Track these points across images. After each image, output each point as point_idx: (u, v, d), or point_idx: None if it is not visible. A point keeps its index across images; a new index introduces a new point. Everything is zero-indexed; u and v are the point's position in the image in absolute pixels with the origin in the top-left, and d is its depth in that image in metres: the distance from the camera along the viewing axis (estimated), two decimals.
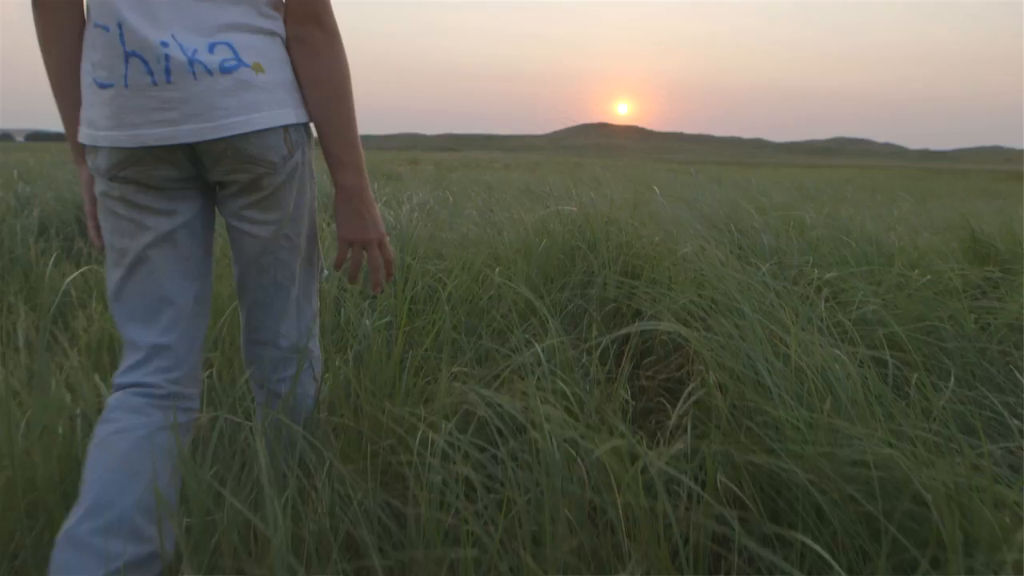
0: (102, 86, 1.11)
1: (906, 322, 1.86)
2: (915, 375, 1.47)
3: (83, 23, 1.15)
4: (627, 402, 1.49)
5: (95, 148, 1.14)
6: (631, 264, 2.39)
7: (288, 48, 1.21)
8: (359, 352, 1.99)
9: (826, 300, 2.00)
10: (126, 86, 1.08)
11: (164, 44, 1.06)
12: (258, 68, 1.13)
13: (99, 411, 1.21)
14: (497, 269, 2.45)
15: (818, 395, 1.29)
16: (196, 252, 1.24)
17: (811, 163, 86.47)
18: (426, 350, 1.94)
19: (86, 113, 1.16)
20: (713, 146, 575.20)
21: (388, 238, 1.32)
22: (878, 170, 48.72)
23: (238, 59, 1.11)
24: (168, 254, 1.19)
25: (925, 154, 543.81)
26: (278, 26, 1.20)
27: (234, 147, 1.13)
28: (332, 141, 1.23)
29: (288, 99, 1.18)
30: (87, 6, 1.13)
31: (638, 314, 2.14)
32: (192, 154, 1.15)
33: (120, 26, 1.06)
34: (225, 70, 1.10)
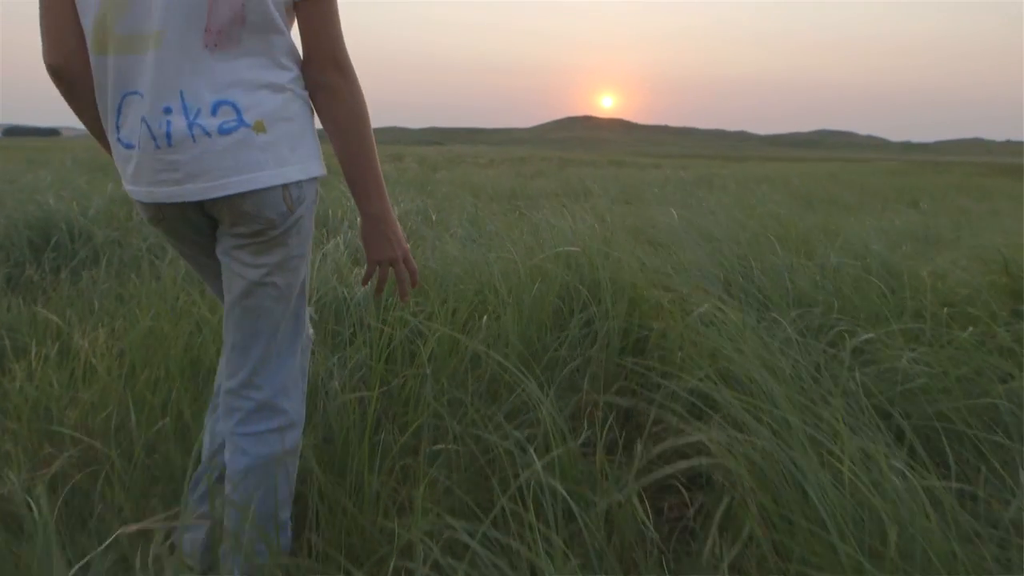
0: (126, 145, 1.20)
1: (956, 395, 1.63)
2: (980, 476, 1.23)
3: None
4: (645, 524, 1.24)
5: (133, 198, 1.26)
6: (637, 319, 2.13)
7: (310, 94, 1.27)
8: (326, 424, 1.73)
9: (863, 364, 1.76)
10: (140, 148, 1.16)
11: (168, 111, 1.13)
12: (259, 127, 1.16)
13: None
14: (485, 318, 2.18)
15: (877, 528, 1.04)
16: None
17: (796, 156, 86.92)
18: (405, 428, 1.68)
19: (119, 168, 1.25)
20: (698, 139, 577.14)
21: (410, 251, 1.39)
22: (862, 163, 48.80)
23: (240, 119, 1.15)
24: (216, 275, 1.33)
25: (907, 146, 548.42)
26: (291, 79, 1.24)
27: (231, 204, 1.18)
28: (356, 174, 1.29)
29: (291, 156, 1.21)
30: (110, 66, 1.16)
31: (645, 384, 1.88)
32: (201, 208, 1.22)
33: (140, 95, 1.14)
34: (224, 131, 1.14)
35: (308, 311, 1.43)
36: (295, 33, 1.26)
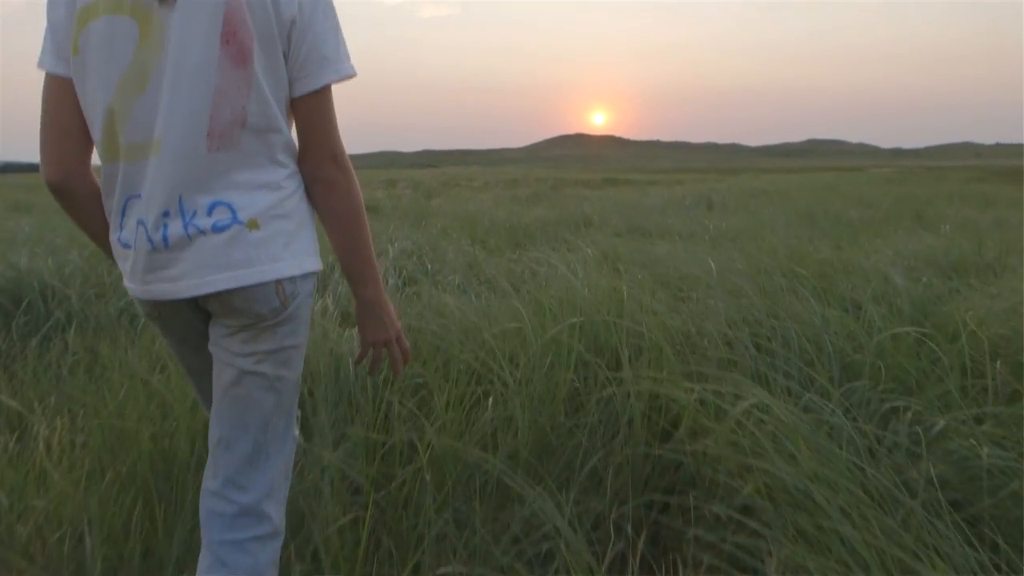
0: (124, 245, 1.22)
1: None
2: None
3: (101, 202, 1.26)
4: None
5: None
6: (663, 402, 1.88)
7: (307, 185, 1.29)
8: (313, 551, 1.48)
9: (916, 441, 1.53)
10: (135, 248, 1.19)
11: (166, 214, 1.15)
12: (253, 224, 1.18)
13: None
14: (491, 400, 1.94)
15: None
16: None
17: (789, 167, 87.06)
18: (402, 542, 1.43)
19: (118, 263, 1.28)
20: (690, 152, 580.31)
21: (402, 330, 1.42)
22: (856, 172, 48.76)
23: (234, 218, 1.17)
24: (209, 364, 1.31)
25: (898, 152, 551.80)
26: (288, 175, 1.25)
27: (222, 300, 1.19)
28: (351, 262, 1.32)
29: (284, 253, 1.21)
30: (116, 173, 1.19)
31: (679, 477, 1.64)
32: (196, 304, 1.24)
33: (139, 199, 1.17)
34: (217, 229, 1.16)
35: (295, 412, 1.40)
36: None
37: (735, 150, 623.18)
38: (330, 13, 1.21)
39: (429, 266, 4.13)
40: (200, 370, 1.37)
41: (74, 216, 1.29)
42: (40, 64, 1.18)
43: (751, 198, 17.12)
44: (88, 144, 1.22)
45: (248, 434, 1.26)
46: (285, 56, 1.17)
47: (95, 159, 1.24)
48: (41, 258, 4.08)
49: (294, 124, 1.26)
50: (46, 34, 1.17)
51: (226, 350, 1.25)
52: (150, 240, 1.16)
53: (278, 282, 1.20)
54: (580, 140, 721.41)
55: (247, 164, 1.18)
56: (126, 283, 1.26)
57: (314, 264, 1.27)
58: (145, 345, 2.84)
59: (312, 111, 1.22)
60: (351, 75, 1.20)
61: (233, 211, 1.16)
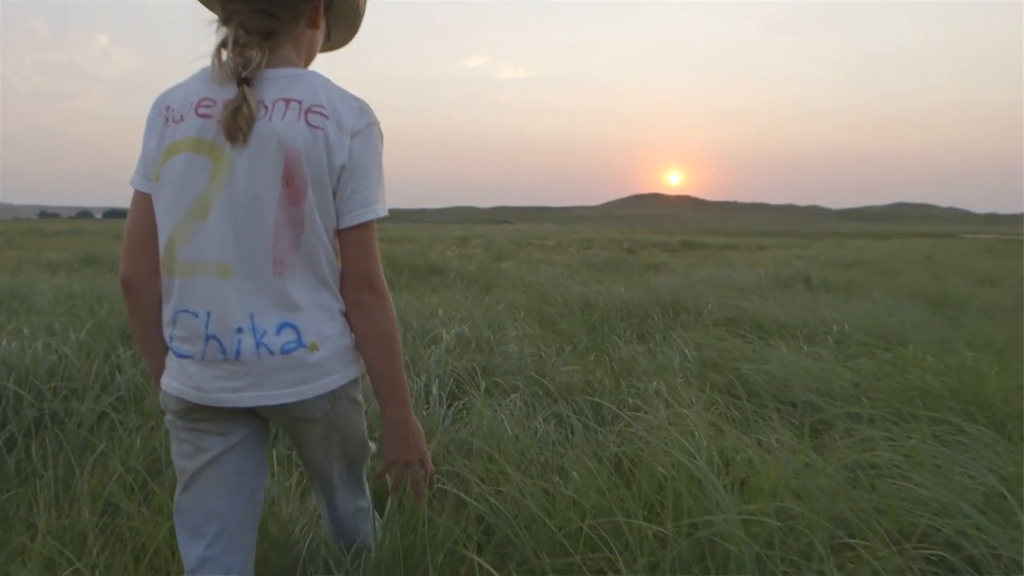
0: (180, 356, 1.31)
1: None
2: None
3: (160, 303, 1.36)
4: None
5: (166, 392, 1.36)
6: None
7: (347, 308, 1.38)
8: None
9: None
10: (203, 359, 1.29)
11: (239, 330, 1.27)
12: (314, 347, 1.31)
13: None
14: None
15: None
16: (248, 467, 1.41)
17: (872, 231, 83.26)
18: None
19: (167, 364, 1.37)
20: (768, 214, 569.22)
21: (428, 454, 1.48)
22: (948, 239, 45.86)
23: (299, 341, 1.30)
24: (219, 473, 1.37)
25: (992, 218, 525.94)
26: (336, 295, 1.37)
27: (283, 410, 1.33)
28: (381, 382, 1.40)
29: (336, 367, 1.35)
30: (175, 286, 1.30)
31: None
32: (252, 410, 1.36)
33: (208, 314, 1.27)
34: (285, 352, 1.28)
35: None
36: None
37: (815, 212, 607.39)
38: (376, 159, 1.32)
39: (481, 376, 3.32)
40: (207, 463, 1.38)
41: (133, 314, 1.39)
42: (132, 182, 1.34)
43: (844, 269, 15.81)
44: (158, 252, 1.33)
45: (338, 477, 1.56)
46: (334, 194, 1.30)
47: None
48: (24, 340, 3.51)
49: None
50: (140, 158, 1.33)
51: (303, 452, 1.49)
52: (223, 352, 1.27)
53: (331, 392, 1.35)
54: (655, 200, 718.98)
55: (306, 287, 1.31)
56: (173, 383, 1.34)
57: (357, 371, 1.41)
58: (119, 465, 2.14)
59: (355, 241, 1.33)
60: (383, 216, 1.32)
61: (298, 334, 1.30)
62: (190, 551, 1.37)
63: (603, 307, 5.68)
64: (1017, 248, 27.65)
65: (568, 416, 2.65)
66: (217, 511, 1.37)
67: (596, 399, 2.83)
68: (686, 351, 3.62)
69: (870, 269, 15.31)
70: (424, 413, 2.81)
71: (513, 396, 2.85)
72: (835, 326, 4.37)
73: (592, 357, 3.84)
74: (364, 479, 1.68)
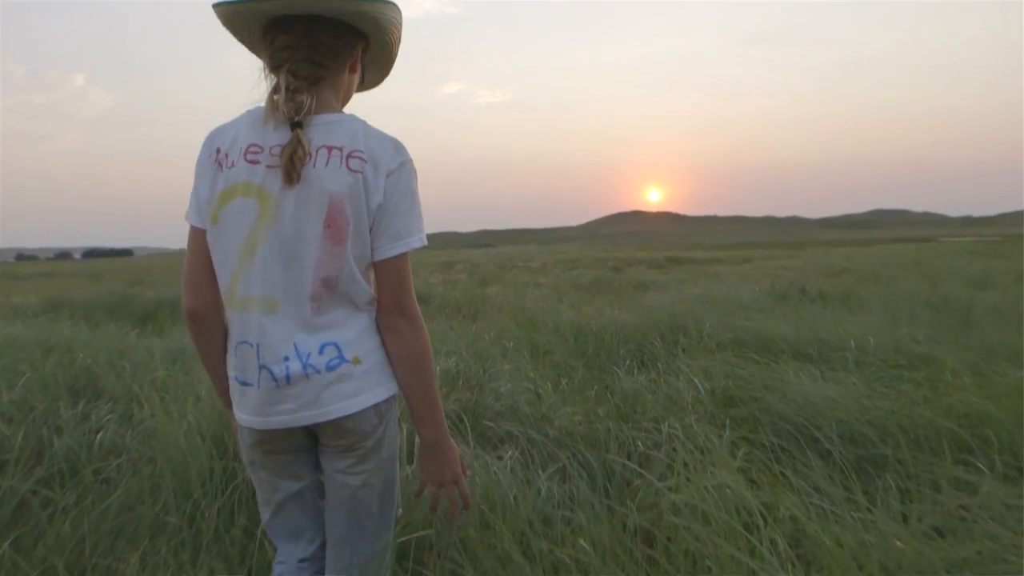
0: (242, 383, 1.43)
1: None
2: None
3: (226, 332, 1.48)
4: None
5: (240, 425, 1.48)
6: None
7: (381, 332, 1.47)
8: None
9: None
10: (259, 387, 1.40)
11: (286, 359, 1.37)
12: (356, 361, 1.41)
13: None
14: None
15: None
16: (319, 501, 1.55)
17: (854, 239, 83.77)
18: None
19: (232, 398, 1.48)
20: (749, 226, 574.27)
21: (464, 475, 1.54)
22: (928, 243, 46.03)
23: (341, 356, 1.40)
24: (297, 505, 1.54)
25: (968, 221, 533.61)
26: (372, 321, 1.47)
27: (335, 424, 1.42)
28: (416, 403, 1.48)
29: (379, 379, 1.45)
30: (233, 321, 1.42)
31: None
32: (308, 430, 1.46)
33: (259, 346, 1.38)
34: (330, 368, 1.39)
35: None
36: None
37: (795, 223, 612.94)
38: (407, 194, 1.41)
39: (474, 398, 2.96)
40: (287, 497, 1.52)
41: (200, 342, 1.48)
42: (187, 217, 1.43)
43: (835, 278, 15.59)
44: (217, 284, 1.43)
45: (363, 529, 1.51)
46: (370, 229, 1.39)
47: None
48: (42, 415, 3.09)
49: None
50: (192, 196, 1.43)
51: (342, 472, 1.48)
52: (274, 379, 1.37)
53: (376, 405, 1.44)
54: (636, 217, 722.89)
55: (342, 314, 1.42)
56: (238, 414, 1.45)
57: (395, 388, 1.48)
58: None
59: (387, 273, 1.42)
60: (419, 247, 1.41)
61: (339, 349, 1.40)
62: (289, 556, 1.57)
63: (597, 332, 5.32)
64: (997, 249, 27.68)
65: (574, 470, 2.28)
66: (305, 525, 1.56)
67: (605, 453, 2.46)
68: (695, 380, 3.26)
69: (861, 276, 15.08)
70: (408, 471, 2.44)
71: (511, 452, 2.47)
72: (850, 342, 4.03)
73: (592, 392, 3.47)
74: (392, 526, 1.63)
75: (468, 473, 1.59)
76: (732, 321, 5.44)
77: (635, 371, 4.08)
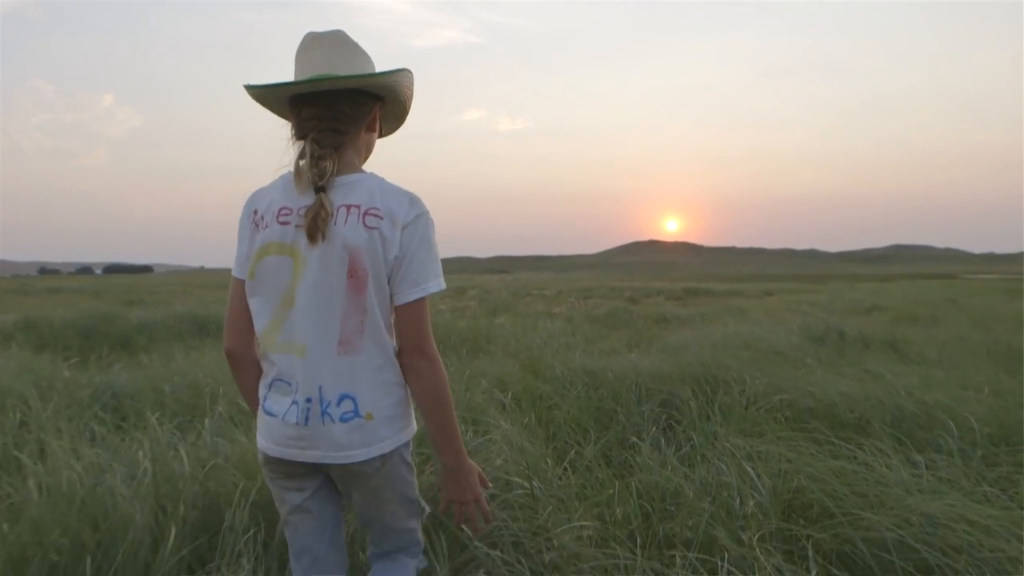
0: (268, 413, 1.58)
1: None
2: None
3: (259, 369, 1.64)
4: None
5: (259, 448, 1.63)
6: None
7: (403, 372, 1.58)
8: None
9: None
10: (282, 419, 1.54)
11: (309, 400, 1.51)
12: (369, 417, 1.52)
13: None
14: None
15: None
16: (326, 511, 1.68)
17: (874, 273, 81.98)
18: None
19: (258, 421, 1.64)
20: (766, 258, 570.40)
21: (484, 494, 1.69)
22: (951, 280, 44.61)
23: (356, 411, 1.52)
24: (303, 518, 1.66)
25: (991, 258, 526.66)
26: (395, 371, 1.57)
27: (339, 466, 1.56)
28: (437, 436, 1.60)
29: (387, 433, 1.55)
30: (271, 360, 1.56)
31: None
32: (316, 465, 1.59)
33: (293, 384, 1.52)
34: (344, 420, 1.51)
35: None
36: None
37: (813, 256, 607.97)
38: (424, 244, 1.53)
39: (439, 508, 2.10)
40: (291, 510, 1.65)
41: (237, 376, 1.67)
42: (233, 271, 1.60)
43: (866, 315, 14.59)
44: (253, 328, 1.59)
45: (393, 532, 1.71)
46: (389, 279, 1.52)
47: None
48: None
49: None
50: (237, 253, 1.60)
51: (360, 507, 1.65)
52: (297, 416, 1.51)
53: (381, 455, 1.55)
54: (653, 246, 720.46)
55: (365, 361, 1.51)
56: (260, 440, 1.61)
57: (406, 437, 1.61)
58: None
59: (406, 316, 1.53)
60: (437, 291, 1.51)
61: (356, 404, 1.51)
62: (295, 573, 1.71)
63: (613, 383, 4.44)
64: None
65: None
66: (307, 545, 1.67)
67: None
68: (747, 468, 2.39)
69: (896, 316, 14.06)
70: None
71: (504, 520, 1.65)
72: (937, 412, 3.14)
73: (604, 473, 2.58)
74: (419, 536, 1.80)
75: (490, 487, 1.76)
76: (775, 371, 4.55)
77: (663, 440, 3.20)
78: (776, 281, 47.53)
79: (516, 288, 30.08)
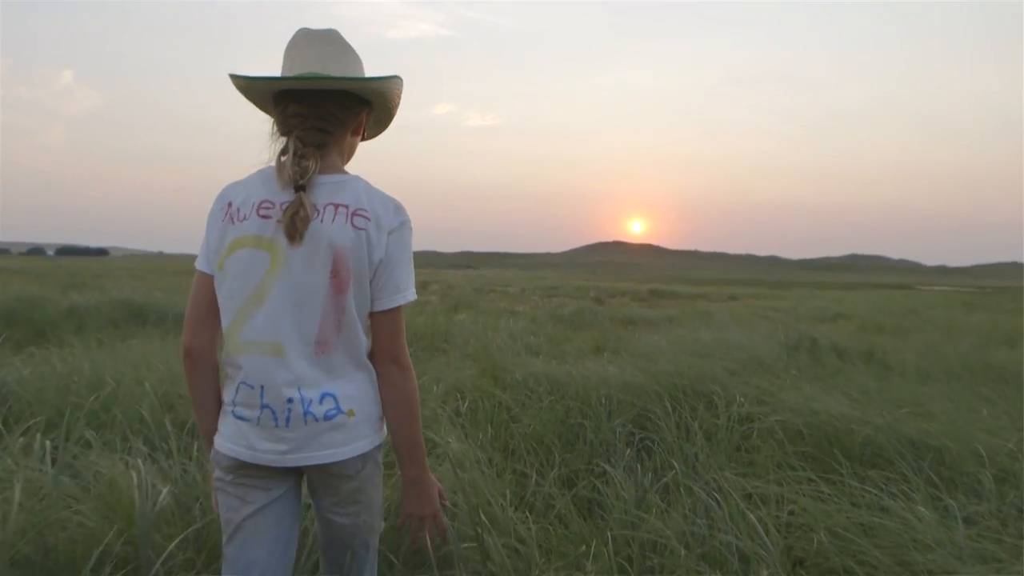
0: (239, 418, 1.52)
1: None
2: None
3: (216, 372, 1.59)
4: None
5: (219, 451, 1.56)
6: None
7: (377, 379, 1.59)
8: None
9: None
10: (258, 424, 1.50)
11: (290, 401, 1.48)
12: (351, 413, 1.52)
13: None
14: None
15: None
16: (285, 518, 1.60)
17: (835, 281, 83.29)
18: None
19: (220, 427, 1.57)
20: (729, 263, 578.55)
21: (442, 511, 1.69)
22: (907, 290, 45.40)
23: (338, 408, 1.51)
24: (260, 523, 1.56)
25: (942, 270, 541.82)
26: (369, 372, 1.58)
27: (321, 467, 1.53)
28: (401, 445, 1.60)
29: (368, 431, 1.56)
30: (237, 364, 1.51)
31: None
32: (297, 469, 1.56)
33: (263, 388, 1.48)
34: (327, 418, 1.49)
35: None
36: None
37: (774, 262, 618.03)
38: (406, 252, 1.55)
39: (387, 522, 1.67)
40: (252, 512, 1.55)
41: (191, 378, 1.57)
42: (196, 264, 1.55)
43: (831, 323, 14.46)
44: (217, 327, 1.54)
45: (358, 558, 1.65)
46: (370, 283, 1.52)
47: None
48: None
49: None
50: (203, 245, 1.54)
51: (333, 513, 1.60)
52: (275, 419, 1.47)
53: (361, 455, 1.55)
54: (618, 247, 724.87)
55: (342, 362, 1.51)
56: (222, 441, 1.54)
57: (381, 438, 1.61)
58: None
59: (383, 323, 1.55)
60: (412, 300, 1.54)
61: (337, 402, 1.50)
62: None
63: (580, 393, 4.00)
64: (986, 301, 26.84)
65: None
66: (257, 558, 1.56)
67: None
68: (752, 518, 1.95)
69: (862, 325, 13.93)
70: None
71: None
72: (953, 446, 2.76)
73: (572, 517, 2.13)
74: (374, 558, 1.76)
75: (447, 503, 1.74)
76: (757, 383, 4.16)
77: (638, 466, 2.76)
78: (739, 285, 47.76)
79: (480, 284, 29.53)
